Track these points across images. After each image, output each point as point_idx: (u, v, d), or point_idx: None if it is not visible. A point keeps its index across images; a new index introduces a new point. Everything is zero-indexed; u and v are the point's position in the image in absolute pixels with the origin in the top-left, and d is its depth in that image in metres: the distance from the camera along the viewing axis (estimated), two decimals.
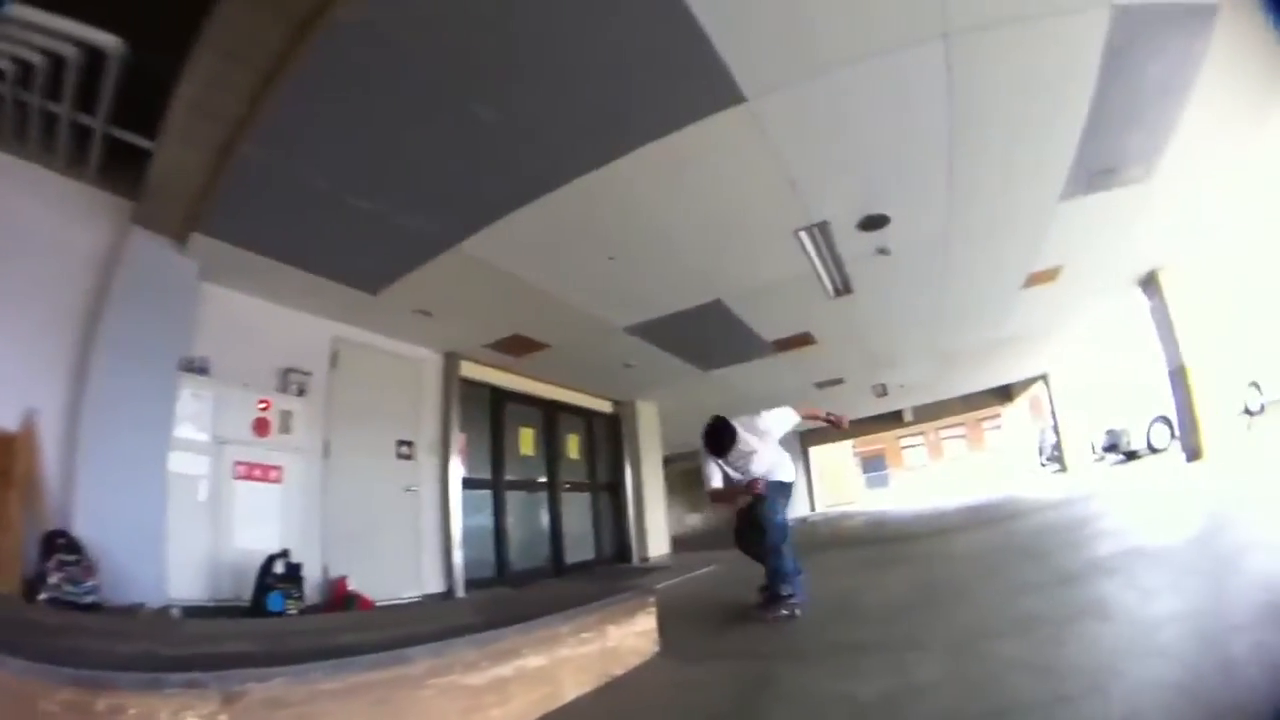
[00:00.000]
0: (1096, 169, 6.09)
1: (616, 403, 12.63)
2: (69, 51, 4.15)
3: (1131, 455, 15.36)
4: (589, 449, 11.92)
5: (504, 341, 8.62)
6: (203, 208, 4.99)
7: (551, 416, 10.92)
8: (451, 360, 8.69)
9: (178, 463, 5.28)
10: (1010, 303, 9.87)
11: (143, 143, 4.71)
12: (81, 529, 4.38)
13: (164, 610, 4.68)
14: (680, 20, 3.77)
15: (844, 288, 7.96)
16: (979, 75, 4.60)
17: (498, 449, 9.58)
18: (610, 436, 12.57)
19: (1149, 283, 9.70)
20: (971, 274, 8.35)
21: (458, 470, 8.32)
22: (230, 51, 3.75)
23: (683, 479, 18.12)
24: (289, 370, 6.55)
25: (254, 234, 5.44)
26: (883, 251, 7.01)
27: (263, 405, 6.11)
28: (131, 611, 4.38)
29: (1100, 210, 6.93)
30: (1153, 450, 14.71)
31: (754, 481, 4.91)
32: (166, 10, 3.65)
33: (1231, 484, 7.11)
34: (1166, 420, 13.82)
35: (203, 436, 5.60)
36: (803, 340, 10.14)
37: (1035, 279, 8.86)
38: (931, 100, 4.83)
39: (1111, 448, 15.93)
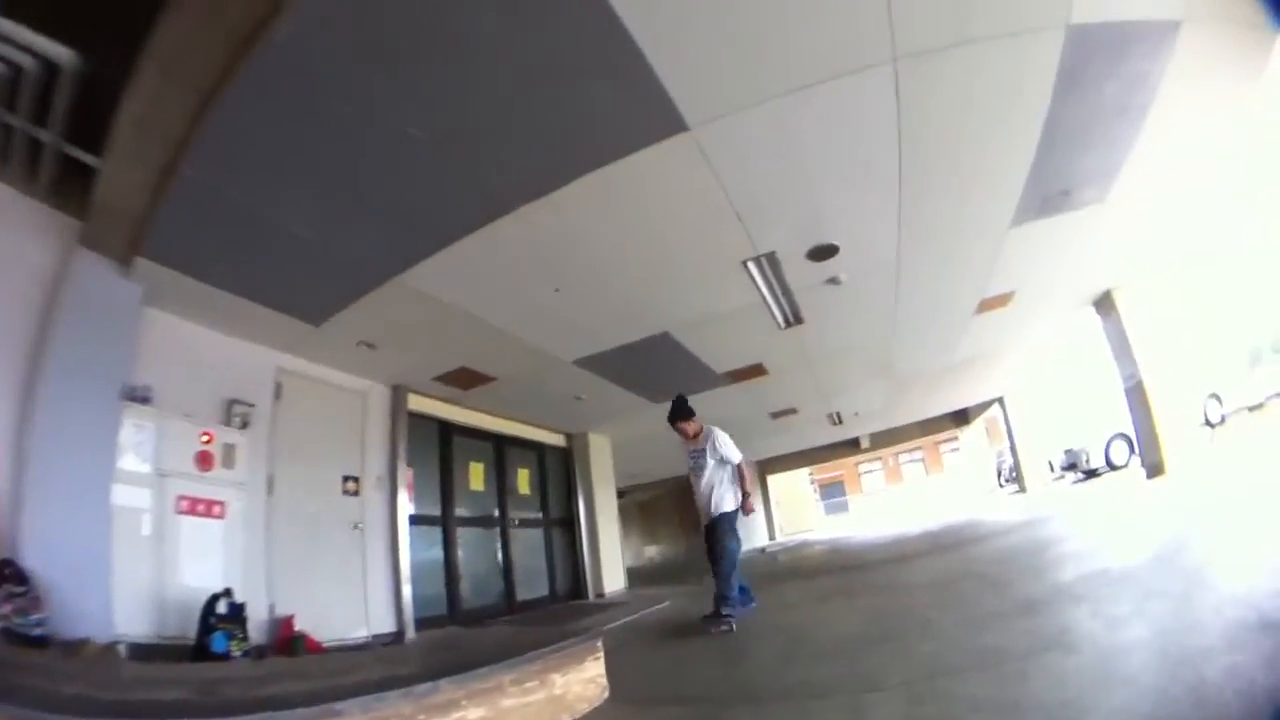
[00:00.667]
0: (1051, 192, 6.10)
1: (568, 435, 12.46)
2: (27, 62, 4.02)
3: (1091, 473, 15.62)
4: (541, 483, 11.71)
5: (451, 374, 8.45)
6: (146, 230, 4.81)
7: (502, 450, 10.72)
8: (398, 393, 8.48)
9: (120, 495, 5.01)
10: (963, 328, 9.94)
11: (92, 160, 4.55)
12: (28, 558, 4.14)
13: (110, 646, 4.42)
14: (622, 46, 3.71)
15: (794, 318, 7.95)
16: (928, 100, 4.57)
17: (447, 484, 9.35)
18: (562, 470, 12.37)
19: (1103, 302, 9.80)
20: (923, 302, 8.37)
21: (406, 506, 8.07)
22: (171, 69, 3.65)
23: (639, 510, 18.04)
24: (232, 402, 6.29)
25: (195, 259, 5.26)
26: (833, 281, 7.00)
27: (205, 438, 5.84)
28: (78, 646, 4.14)
29: (1054, 233, 6.97)
30: (1112, 467, 14.96)
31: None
32: (122, 22, 3.54)
33: (1194, 499, 7.15)
34: (1126, 437, 13.98)
35: (145, 468, 5.31)
36: (755, 371, 10.15)
37: (988, 305, 8.93)
38: (880, 126, 4.78)
39: (1071, 466, 16.23)
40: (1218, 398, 12.87)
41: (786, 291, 7.12)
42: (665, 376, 9.56)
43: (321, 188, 4.58)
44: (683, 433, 6.60)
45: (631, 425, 11.87)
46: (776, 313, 7.66)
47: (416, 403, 8.77)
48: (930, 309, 8.76)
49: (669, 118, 4.34)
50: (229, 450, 6.04)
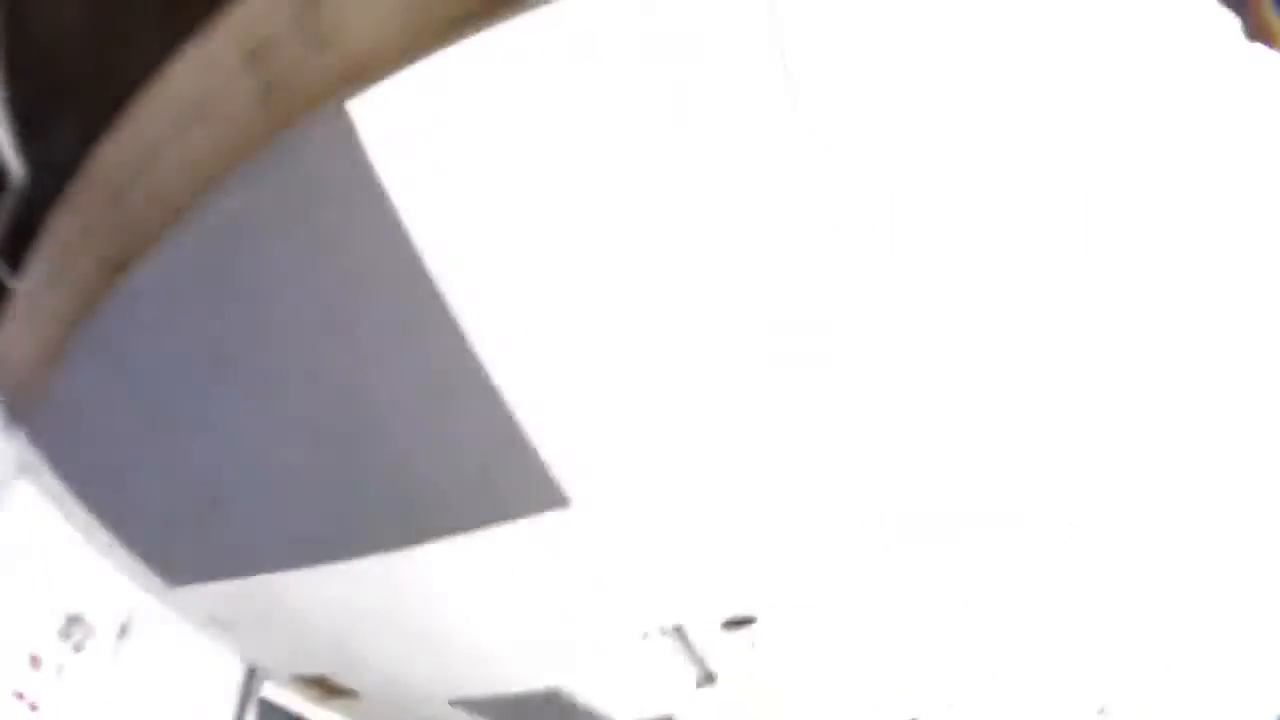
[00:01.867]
0: None
1: None
2: None
3: None
4: None
5: (312, 680, 7.72)
6: (22, 406, 4.49)
7: None
8: (254, 679, 7.56)
9: None
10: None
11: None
12: None
13: None
14: (501, 417, 3.62)
15: (707, 679, 7.29)
16: None
17: None
18: None
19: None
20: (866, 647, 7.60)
21: None
22: (53, 275, 3.67)
23: None
24: (73, 618, 5.58)
25: (63, 462, 4.84)
26: (754, 646, 6.59)
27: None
28: None
29: None
30: None
31: None
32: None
33: None
34: None
35: None
36: None
37: None
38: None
39: None
40: None
41: (697, 658, 6.69)
42: None
43: (168, 463, 4.43)
44: None
45: None
46: (687, 676, 7.10)
47: (274, 692, 7.89)
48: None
49: (548, 493, 4.13)
50: (59, 668, 5.40)
